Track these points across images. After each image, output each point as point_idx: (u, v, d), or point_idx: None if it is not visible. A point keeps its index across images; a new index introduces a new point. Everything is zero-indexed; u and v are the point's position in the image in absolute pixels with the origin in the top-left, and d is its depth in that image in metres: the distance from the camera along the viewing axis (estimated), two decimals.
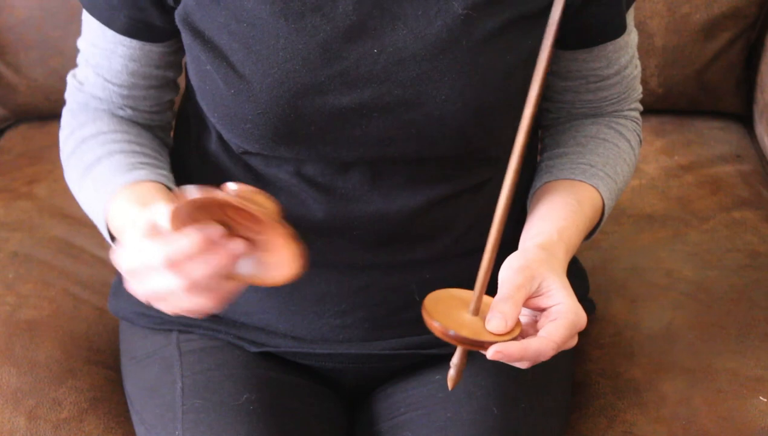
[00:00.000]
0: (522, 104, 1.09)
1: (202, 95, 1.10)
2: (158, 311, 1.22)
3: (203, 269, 0.89)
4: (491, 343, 0.93)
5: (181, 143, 1.22)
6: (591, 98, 1.19)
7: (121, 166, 1.10)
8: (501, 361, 0.94)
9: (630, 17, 1.16)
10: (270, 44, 1.04)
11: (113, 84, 1.16)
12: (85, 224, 1.51)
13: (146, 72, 1.15)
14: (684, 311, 1.37)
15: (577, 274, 1.28)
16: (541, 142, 1.24)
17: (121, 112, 1.18)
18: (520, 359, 0.94)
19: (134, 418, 1.21)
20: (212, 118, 1.10)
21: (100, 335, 1.37)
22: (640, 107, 1.24)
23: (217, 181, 1.15)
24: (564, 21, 1.08)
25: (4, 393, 1.25)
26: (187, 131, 1.21)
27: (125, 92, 1.16)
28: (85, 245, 1.51)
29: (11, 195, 1.60)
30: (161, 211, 0.91)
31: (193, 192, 0.87)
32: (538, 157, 1.22)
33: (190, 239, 0.88)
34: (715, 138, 1.72)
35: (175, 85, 1.21)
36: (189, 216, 0.89)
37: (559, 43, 1.12)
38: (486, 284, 0.95)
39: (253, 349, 1.19)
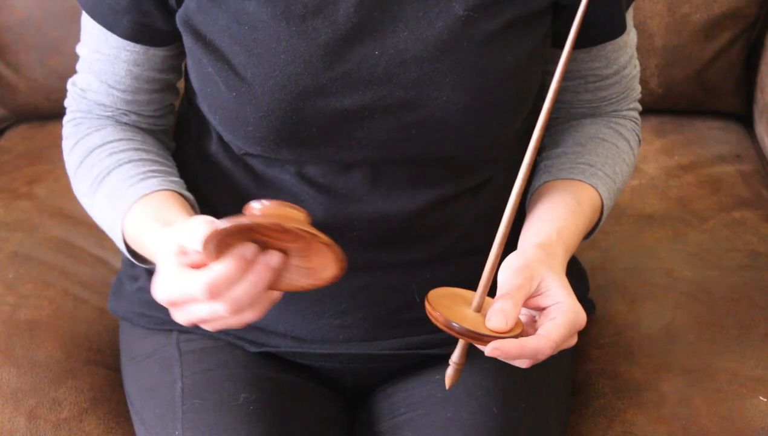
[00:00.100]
0: (523, 105, 1.10)
1: (204, 98, 1.10)
2: (158, 311, 1.22)
3: (244, 290, 0.90)
4: (491, 338, 0.93)
5: (182, 145, 1.22)
6: (590, 98, 1.19)
7: (132, 177, 1.10)
8: (499, 358, 0.94)
9: (629, 17, 1.16)
10: (271, 47, 1.04)
11: (117, 90, 1.15)
12: (85, 224, 1.51)
13: (150, 76, 1.15)
14: (684, 311, 1.37)
15: (577, 274, 1.28)
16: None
17: (125, 119, 1.18)
18: (518, 357, 0.94)
19: (134, 418, 1.21)
20: (213, 120, 1.10)
21: (100, 335, 1.37)
22: (639, 107, 1.24)
23: (217, 183, 1.16)
24: (564, 21, 1.09)
25: (4, 393, 1.25)
26: (188, 133, 1.21)
27: (129, 97, 1.16)
28: (85, 245, 1.51)
29: (11, 195, 1.60)
30: (190, 235, 0.92)
31: (222, 223, 0.88)
32: (537, 157, 1.22)
33: (226, 265, 0.89)
34: (715, 138, 1.72)
35: (175, 89, 1.21)
36: (222, 242, 0.89)
37: (558, 43, 1.12)
38: (490, 280, 0.96)
39: (253, 349, 1.19)
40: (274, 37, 1.04)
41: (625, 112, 1.22)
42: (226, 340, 1.19)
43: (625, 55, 1.17)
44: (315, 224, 1.12)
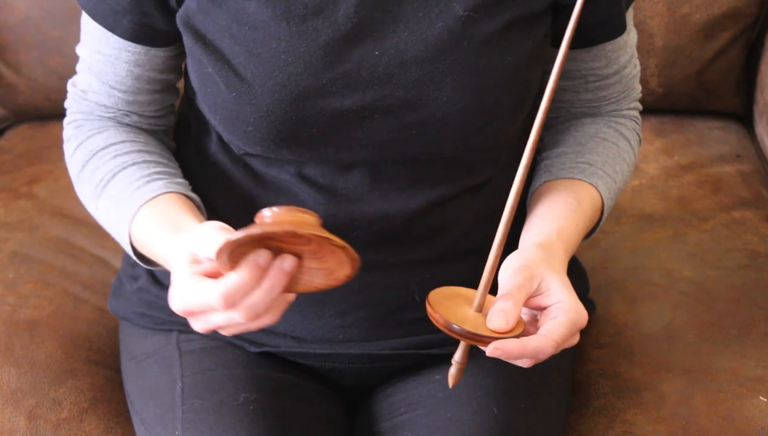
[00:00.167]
0: (523, 105, 1.10)
1: (204, 98, 1.10)
2: (158, 311, 1.22)
3: (260, 296, 0.92)
4: (492, 339, 0.93)
5: (182, 145, 1.22)
6: (590, 98, 1.19)
7: (138, 180, 1.10)
8: (500, 358, 0.94)
9: (629, 17, 1.16)
10: (272, 47, 1.04)
11: (118, 90, 1.15)
12: (85, 224, 1.51)
13: (150, 76, 1.15)
14: (684, 311, 1.37)
15: (577, 274, 1.28)
16: (540, 141, 1.24)
17: (126, 120, 1.18)
18: (520, 357, 0.94)
19: (134, 418, 1.21)
20: (213, 120, 1.10)
21: (100, 335, 1.37)
22: (640, 106, 1.24)
23: (216, 182, 1.16)
24: (564, 21, 1.09)
25: (4, 393, 1.25)
26: (187, 133, 1.21)
27: (130, 98, 1.16)
28: (85, 245, 1.51)
29: (11, 195, 1.60)
30: (202, 244, 0.94)
31: (235, 234, 0.89)
32: (537, 157, 1.22)
33: (241, 274, 0.90)
34: (715, 138, 1.72)
35: (176, 89, 1.21)
36: (235, 251, 0.90)
37: (558, 43, 1.12)
38: (491, 280, 0.96)
39: (253, 349, 1.19)
40: (275, 37, 1.04)
41: (625, 112, 1.22)
42: (226, 340, 1.19)
43: (626, 54, 1.17)
44: None
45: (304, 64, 1.04)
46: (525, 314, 1.00)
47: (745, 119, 1.78)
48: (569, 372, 1.26)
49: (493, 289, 0.98)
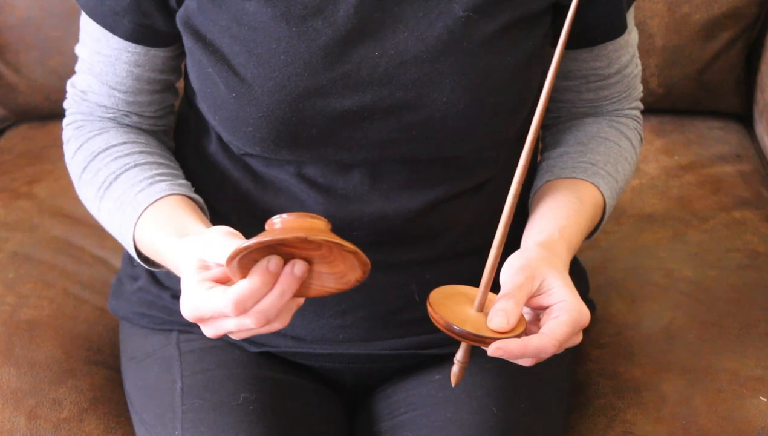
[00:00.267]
0: (523, 106, 1.10)
1: (203, 98, 1.10)
2: (158, 311, 1.22)
3: (271, 302, 0.92)
4: (493, 339, 0.93)
5: (181, 145, 1.22)
6: (592, 97, 1.19)
7: (141, 182, 1.10)
8: (502, 358, 0.94)
9: (630, 17, 1.16)
10: (271, 48, 1.04)
11: (118, 91, 1.15)
12: (85, 224, 1.51)
13: (150, 77, 1.15)
14: (684, 311, 1.37)
15: (577, 274, 1.28)
16: (541, 141, 1.24)
17: (126, 120, 1.17)
18: (521, 356, 0.94)
19: (134, 418, 1.21)
20: (213, 120, 1.10)
21: (100, 335, 1.37)
22: (641, 106, 1.24)
23: (216, 182, 1.16)
24: (564, 21, 1.09)
25: (4, 393, 1.25)
26: (187, 133, 1.21)
27: (130, 99, 1.16)
28: (85, 245, 1.51)
29: (11, 195, 1.60)
30: (211, 250, 0.94)
31: (245, 241, 0.89)
32: (539, 157, 1.22)
33: (252, 281, 0.91)
34: (715, 138, 1.72)
35: (175, 89, 1.21)
36: (245, 257, 0.90)
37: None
38: (491, 280, 0.96)
39: (253, 349, 1.19)
40: (274, 37, 1.04)
41: (627, 111, 1.22)
42: (226, 340, 1.19)
43: (627, 54, 1.17)
44: None
45: (303, 64, 1.04)
46: (527, 313, 1.00)
47: (745, 119, 1.78)
48: (569, 372, 1.26)
49: (495, 288, 0.98)
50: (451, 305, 0.96)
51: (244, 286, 0.91)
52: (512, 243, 1.06)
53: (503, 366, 1.08)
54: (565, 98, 1.20)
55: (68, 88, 1.20)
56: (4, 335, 1.32)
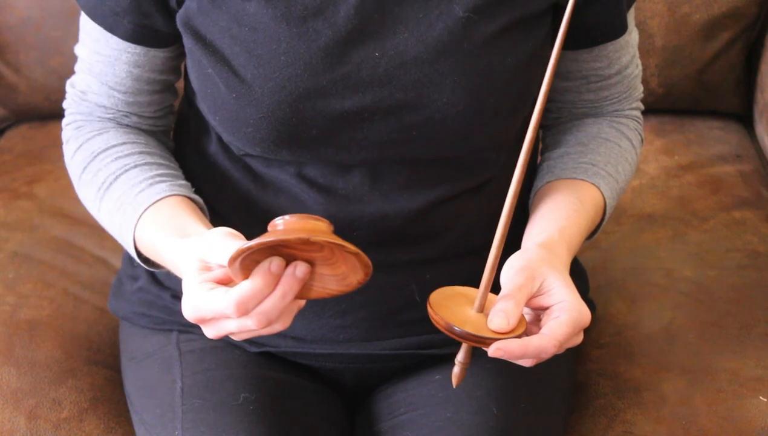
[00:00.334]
0: (523, 106, 1.10)
1: (204, 99, 1.10)
2: (158, 311, 1.22)
3: (273, 303, 0.92)
4: (493, 340, 0.93)
5: (181, 145, 1.22)
6: (592, 98, 1.19)
7: (141, 182, 1.10)
8: (503, 358, 0.94)
9: (631, 17, 1.16)
10: (272, 48, 1.04)
11: (118, 91, 1.15)
12: (85, 224, 1.51)
13: (150, 77, 1.15)
14: (684, 311, 1.37)
15: (577, 274, 1.28)
16: (542, 142, 1.24)
17: (126, 121, 1.17)
18: (522, 357, 0.94)
19: (134, 418, 1.21)
20: (213, 121, 1.10)
21: (100, 335, 1.37)
22: (642, 107, 1.24)
23: (216, 183, 1.16)
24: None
25: (4, 393, 1.25)
26: (187, 133, 1.21)
27: (130, 99, 1.16)
28: (85, 245, 1.51)
29: (11, 195, 1.60)
30: (213, 251, 0.94)
31: (247, 242, 0.89)
32: (539, 158, 1.22)
33: (254, 282, 0.91)
34: (715, 138, 1.72)
35: (175, 89, 1.21)
36: (247, 259, 0.91)
37: None
38: (491, 281, 0.96)
39: (253, 349, 1.19)
40: (275, 38, 1.04)
41: (627, 112, 1.22)
42: (226, 340, 1.19)
43: (627, 55, 1.17)
44: None
45: (304, 65, 1.04)
46: (527, 314, 1.00)
47: (745, 119, 1.78)
48: (569, 372, 1.26)
49: (495, 289, 0.98)
50: (452, 306, 0.96)
51: (246, 287, 0.91)
52: (512, 243, 1.06)
53: (503, 366, 1.08)
54: (566, 99, 1.20)
55: (68, 88, 1.20)
56: (4, 335, 1.32)
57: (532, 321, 0.99)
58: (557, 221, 1.08)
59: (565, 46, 1.14)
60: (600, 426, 1.24)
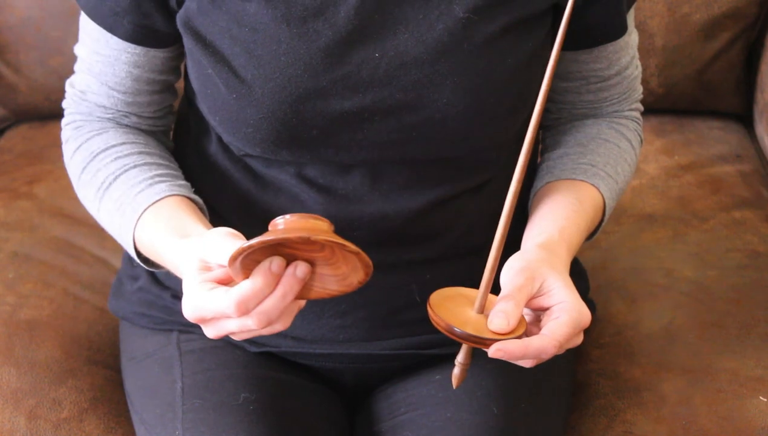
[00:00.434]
0: (523, 106, 1.10)
1: (204, 99, 1.10)
2: (158, 311, 1.22)
3: (273, 303, 0.92)
4: (494, 340, 0.94)
5: (181, 146, 1.22)
6: (592, 99, 1.19)
7: (140, 182, 1.10)
8: (503, 359, 0.94)
9: (630, 18, 1.16)
10: (272, 49, 1.04)
11: (118, 91, 1.15)
12: (85, 224, 1.51)
13: (150, 78, 1.15)
14: (684, 311, 1.37)
15: (577, 274, 1.28)
16: (541, 142, 1.24)
17: (125, 121, 1.17)
18: (522, 357, 0.94)
19: (134, 418, 1.21)
20: (213, 121, 1.10)
21: (100, 335, 1.37)
22: (641, 107, 1.24)
23: (216, 183, 1.16)
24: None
25: (4, 393, 1.25)
26: (187, 133, 1.21)
27: (130, 99, 1.16)
28: (85, 245, 1.51)
29: (11, 195, 1.60)
30: (213, 251, 0.94)
31: (248, 241, 0.89)
32: (539, 158, 1.22)
33: (255, 281, 0.91)
34: (715, 138, 1.72)
35: (175, 90, 1.21)
36: (248, 258, 0.91)
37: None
38: (491, 282, 0.96)
39: (253, 349, 1.19)
40: (275, 39, 1.04)
41: (627, 113, 1.22)
42: (226, 340, 1.19)
43: (627, 55, 1.17)
44: None
45: (304, 65, 1.04)
46: (528, 314, 1.00)
47: (745, 119, 1.78)
48: (569, 372, 1.26)
49: (495, 290, 0.98)
50: (452, 307, 0.96)
51: (246, 287, 0.91)
52: (512, 244, 1.06)
53: (503, 367, 1.08)
54: (565, 99, 1.20)
55: (67, 88, 1.20)
56: (4, 335, 1.32)
57: (532, 322, 0.99)
58: (557, 222, 1.08)
59: (564, 47, 1.14)
60: (600, 426, 1.24)
